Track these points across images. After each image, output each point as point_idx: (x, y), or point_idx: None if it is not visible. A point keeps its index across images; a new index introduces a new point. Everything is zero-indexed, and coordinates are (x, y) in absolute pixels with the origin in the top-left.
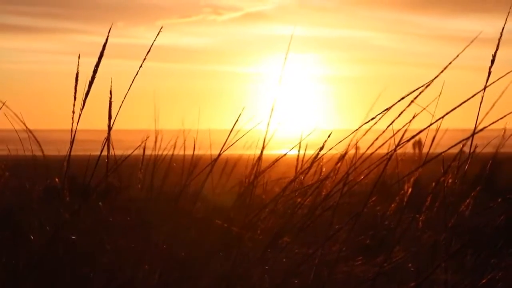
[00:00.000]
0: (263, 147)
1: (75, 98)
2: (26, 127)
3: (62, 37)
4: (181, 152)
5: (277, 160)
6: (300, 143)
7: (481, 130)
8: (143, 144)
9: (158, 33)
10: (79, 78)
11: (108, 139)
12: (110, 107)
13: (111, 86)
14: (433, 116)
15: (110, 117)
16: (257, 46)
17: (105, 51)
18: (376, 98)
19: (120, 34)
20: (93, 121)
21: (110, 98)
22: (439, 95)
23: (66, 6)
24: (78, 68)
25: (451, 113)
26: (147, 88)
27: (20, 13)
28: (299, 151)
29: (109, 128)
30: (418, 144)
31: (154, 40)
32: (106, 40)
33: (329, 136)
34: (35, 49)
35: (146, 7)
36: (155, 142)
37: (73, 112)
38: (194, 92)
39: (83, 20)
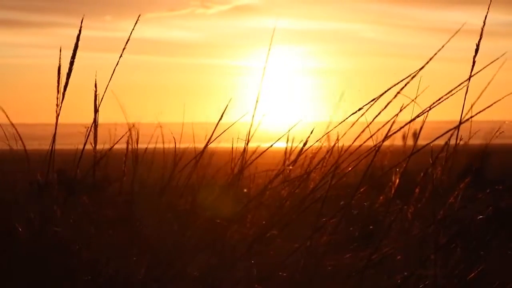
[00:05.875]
0: (248, 139)
1: (58, 91)
2: (10, 121)
3: (48, 31)
4: (168, 146)
5: (263, 152)
6: (287, 135)
7: (466, 120)
8: (127, 137)
9: (136, 22)
10: (62, 72)
11: (95, 132)
12: (96, 100)
13: (95, 79)
14: (419, 106)
15: (96, 111)
16: (246, 39)
17: (93, 45)
18: (357, 90)
19: (108, 28)
20: (76, 115)
21: (95, 92)
22: (424, 88)
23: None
24: (60, 61)
25: (438, 105)
26: (136, 82)
27: (5, 6)
28: (287, 143)
29: (95, 122)
30: (414, 135)
31: (133, 30)
32: (79, 31)
33: (311, 132)
34: (21, 44)
35: (134, 0)
36: (138, 135)
37: (57, 105)
38: (181, 86)
39: (69, 14)
